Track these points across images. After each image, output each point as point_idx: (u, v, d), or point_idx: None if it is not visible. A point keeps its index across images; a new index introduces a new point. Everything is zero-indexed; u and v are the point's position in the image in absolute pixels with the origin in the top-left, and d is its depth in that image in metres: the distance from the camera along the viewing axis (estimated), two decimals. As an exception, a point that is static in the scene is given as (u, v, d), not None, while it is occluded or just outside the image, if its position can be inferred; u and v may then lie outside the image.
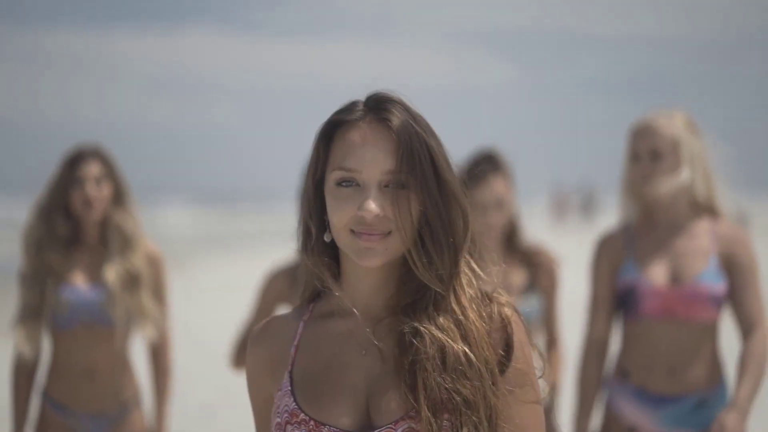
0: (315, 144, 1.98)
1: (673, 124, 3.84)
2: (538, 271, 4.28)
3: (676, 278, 3.78)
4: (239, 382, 3.70)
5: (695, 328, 3.77)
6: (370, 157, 1.92)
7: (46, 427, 4.25)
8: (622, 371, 3.87)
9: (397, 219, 1.90)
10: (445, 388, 1.87)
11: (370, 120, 1.95)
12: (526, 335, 1.96)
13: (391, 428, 1.88)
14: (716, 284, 3.76)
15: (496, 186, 4.19)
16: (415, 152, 1.92)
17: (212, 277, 20.62)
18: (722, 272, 3.77)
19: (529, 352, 1.96)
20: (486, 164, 4.22)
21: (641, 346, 3.81)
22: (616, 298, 3.88)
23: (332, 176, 1.94)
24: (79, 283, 4.27)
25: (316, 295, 2.04)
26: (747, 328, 3.74)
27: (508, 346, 1.94)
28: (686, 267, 3.78)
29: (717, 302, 3.76)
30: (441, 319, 1.92)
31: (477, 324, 1.92)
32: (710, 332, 3.79)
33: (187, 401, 8.31)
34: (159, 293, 4.35)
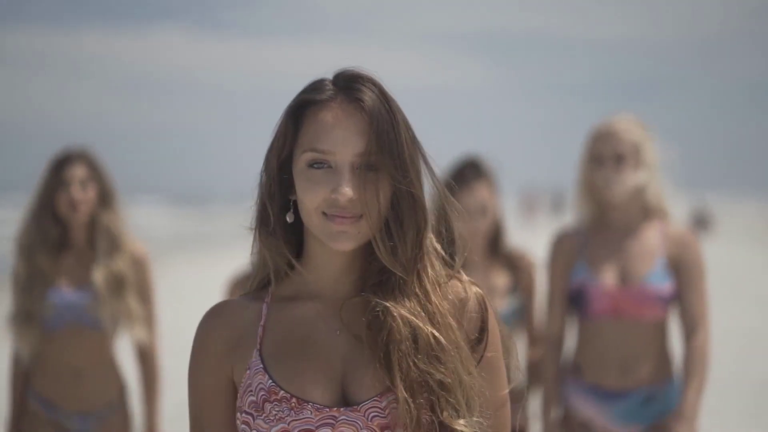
0: (282, 122, 1.93)
1: (634, 128, 4.00)
2: (520, 274, 4.40)
3: (624, 279, 3.93)
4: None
5: (644, 327, 3.92)
6: (343, 139, 1.87)
7: (35, 424, 4.33)
8: (576, 368, 4.03)
9: (364, 202, 1.86)
10: (420, 370, 1.85)
11: (342, 100, 1.90)
12: (496, 319, 1.96)
13: (377, 401, 1.86)
14: (662, 285, 3.91)
15: (479, 192, 4.29)
16: (386, 134, 1.88)
17: (187, 278, 20.62)
18: (669, 273, 3.92)
19: (499, 340, 1.96)
20: (470, 170, 4.32)
21: (593, 344, 3.97)
22: (569, 297, 4.03)
23: (303, 157, 1.89)
24: (65, 286, 4.33)
25: (268, 281, 1.98)
26: (689, 328, 3.91)
27: (482, 331, 1.94)
28: (634, 268, 3.93)
29: (664, 302, 3.92)
30: (407, 302, 1.90)
31: (440, 308, 1.91)
32: (659, 330, 3.95)
33: (164, 401, 8.36)
34: (145, 293, 4.40)
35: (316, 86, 1.94)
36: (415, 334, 1.87)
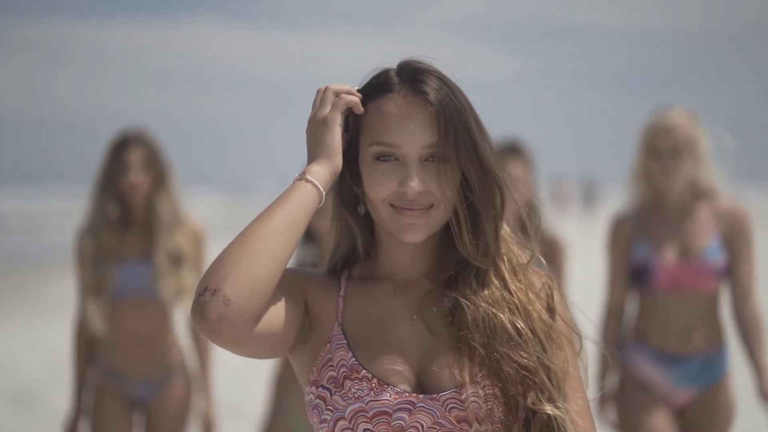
0: (350, 114, 1.92)
1: (688, 122, 4.32)
2: (551, 256, 4.55)
3: (684, 254, 4.25)
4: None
5: (701, 298, 4.25)
6: (410, 132, 1.86)
7: (103, 394, 4.56)
8: (639, 333, 4.33)
9: (433, 193, 1.86)
10: (500, 358, 1.85)
11: (406, 92, 1.89)
12: (564, 304, 1.99)
13: (457, 392, 1.85)
14: (718, 258, 4.25)
15: (514, 169, 4.50)
16: (455, 125, 1.86)
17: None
18: (723, 247, 4.26)
19: (568, 317, 1.98)
20: (508, 149, 4.57)
21: (655, 314, 4.29)
22: (630, 272, 4.34)
23: (369, 150, 1.88)
24: (129, 259, 4.54)
25: (344, 263, 1.98)
26: (741, 294, 4.26)
27: (549, 311, 1.95)
28: (692, 244, 4.26)
29: (720, 274, 4.26)
30: (485, 292, 1.90)
31: (519, 294, 1.91)
32: (714, 301, 4.29)
33: (220, 367, 8.79)
34: (200, 267, 4.61)
35: (380, 78, 1.93)
36: (492, 323, 1.87)
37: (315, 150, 1.88)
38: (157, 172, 4.59)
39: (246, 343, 1.81)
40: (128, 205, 4.58)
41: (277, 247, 1.81)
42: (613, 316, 4.40)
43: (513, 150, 4.57)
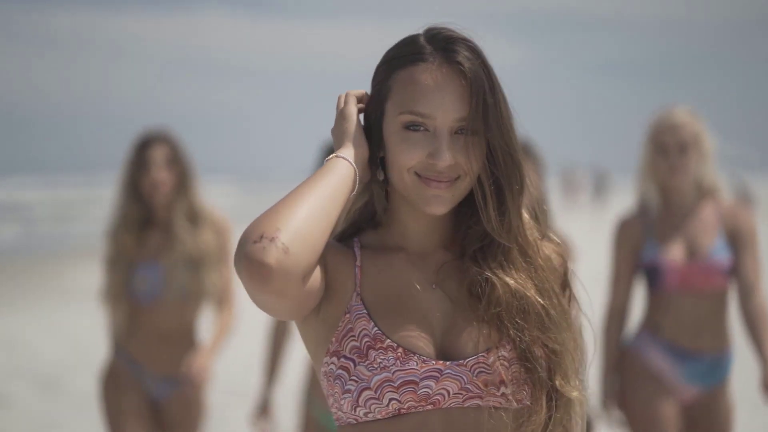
0: (377, 80, 1.92)
1: (693, 120, 4.41)
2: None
3: (691, 254, 4.33)
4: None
5: (711, 296, 4.33)
6: (444, 104, 1.84)
7: (117, 380, 4.60)
8: (654, 326, 4.39)
9: (468, 167, 1.85)
10: (531, 338, 1.85)
11: (441, 63, 1.87)
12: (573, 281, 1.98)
13: (484, 357, 1.85)
14: (725, 256, 4.33)
15: None
16: (486, 98, 1.85)
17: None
18: (728, 245, 4.34)
19: (576, 298, 1.98)
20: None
21: (668, 312, 4.35)
22: (636, 272, 4.44)
23: (400, 118, 1.86)
24: (154, 260, 4.58)
25: (355, 232, 1.97)
26: (746, 290, 4.30)
27: (563, 287, 1.96)
28: (699, 244, 4.34)
29: (727, 272, 4.33)
30: (513, 272, 1.89)
31: (545, 274, 1.92)
32: (723, 299, 4.36)
33: (231, 359, 9.10)
34: (224, 256, 4.62)
35: (411, 45, 1.90)
36: (523, 305, 1.87)
37: (340, 140, 1.90)
38: (181, 171, 4.61)
39: (288, 296, 1.78)
40: (151, 205, 4.61)
41: (324, 211, 1.80)
42: (615, 317, 4.46)
43: (523, 151, 4.64)
